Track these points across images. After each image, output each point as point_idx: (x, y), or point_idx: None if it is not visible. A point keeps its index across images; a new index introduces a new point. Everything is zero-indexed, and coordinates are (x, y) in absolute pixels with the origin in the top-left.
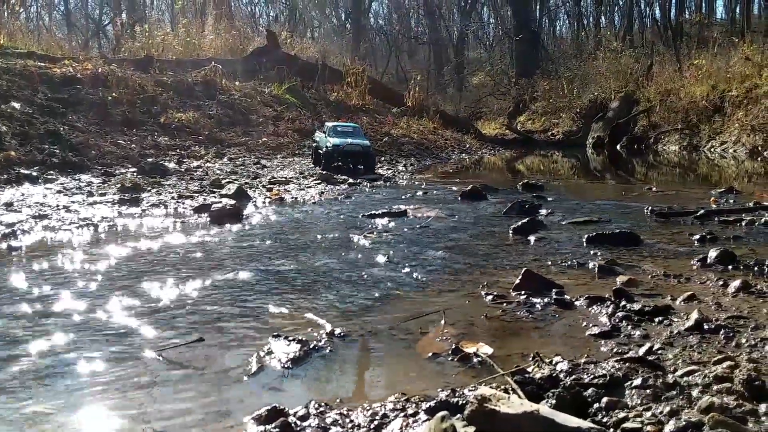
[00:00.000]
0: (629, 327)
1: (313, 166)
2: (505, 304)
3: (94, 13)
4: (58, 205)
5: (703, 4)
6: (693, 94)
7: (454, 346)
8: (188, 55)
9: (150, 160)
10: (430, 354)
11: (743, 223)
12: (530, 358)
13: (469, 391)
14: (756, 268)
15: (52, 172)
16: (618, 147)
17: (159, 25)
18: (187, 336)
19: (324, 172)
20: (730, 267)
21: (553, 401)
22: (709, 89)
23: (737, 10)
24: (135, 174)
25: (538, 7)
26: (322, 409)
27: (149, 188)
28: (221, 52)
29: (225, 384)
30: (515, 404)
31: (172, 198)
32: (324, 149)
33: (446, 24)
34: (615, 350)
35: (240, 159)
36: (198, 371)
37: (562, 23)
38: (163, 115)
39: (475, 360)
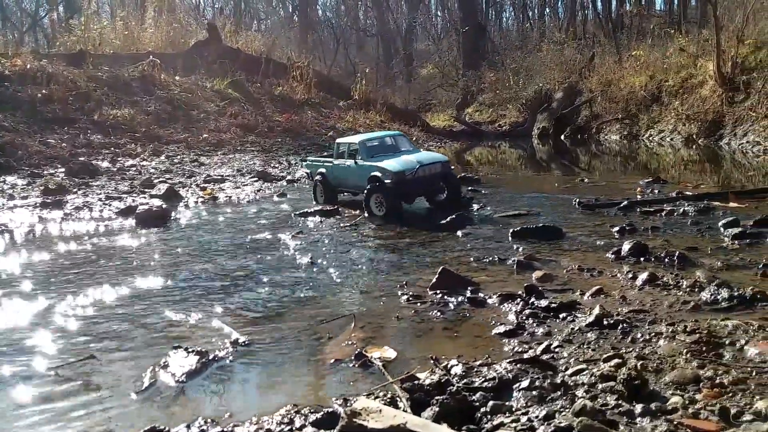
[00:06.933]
0: (534, 324)
1: (315, 202)
2: (419, 304)
3: (30, 7)
4: None
5: None
6: (632, 84)
7: (357, 352)
8: (126, 49)
9: (81, 159)
10: (333, 360)
11: (663, 214)
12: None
13: (357, 401)
14: (666, 260)
15: None
16: (562, 137)
17: (96, 17)
18: (90, 348)
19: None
20: (642, 259)
21: (437, 409)
22: (647, 79)
23: (675, 2)
24: (63, 175)
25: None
26: (204, 426)
27: (75, 190)
28: (162, 45)
29: (113, 401)
30: (386, 417)
31: (99, 200)
32: (377, 183)
33: (394, 16)
34: (516, 349)
35: (178, 156)
36: (89, 388)
37: (508, 15)
38: (97, 112)
39: (376, 365)
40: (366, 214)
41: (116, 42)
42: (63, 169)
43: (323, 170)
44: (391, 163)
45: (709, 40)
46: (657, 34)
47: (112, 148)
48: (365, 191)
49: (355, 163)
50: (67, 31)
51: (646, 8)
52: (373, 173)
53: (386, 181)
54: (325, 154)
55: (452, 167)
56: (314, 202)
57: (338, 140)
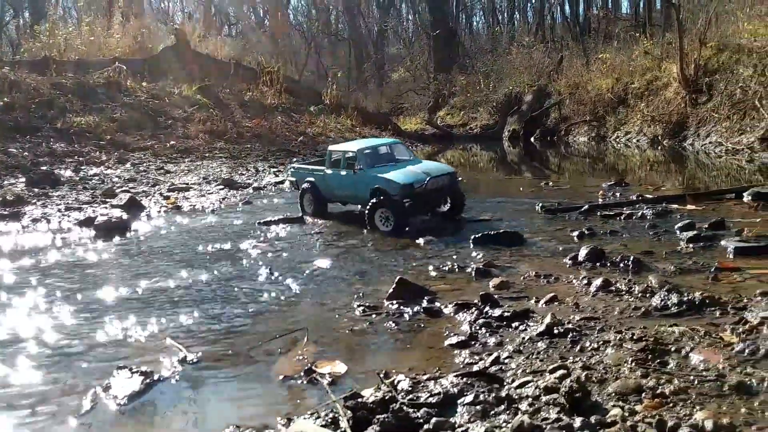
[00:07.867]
0: (487, 334)
1: (303, 214)
2: (374, 316)
3: None
4: None
5: (609, 0)
6: (599, 87)
7: (307, 367)
8: (93, 55)
9: (43, 168)
10: (282, 377)
11: (622, 217)
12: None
13: (294, 423)
14: (621, 265)
15: None
16: (532, 139)
17: (62, 23)
18: (32, 368)
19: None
20: (598, 264)
21: (378, 428)
22: (614, 82)
23: (640, 5)
24: (23, 185)
25: (454, 3)
26: None
27: (34, 201)
28: (129, 51)
29: (51, 427)
30: None
31: (59, 211)
32: (381, 196)
33: (365, 20)
34: (467, 361)
35: (144, 164)
36: (27, 411)
37: (478, 19)
38: (61, 119)
39: (325, 381)
40: (368, 228)
41: (82, 48)
42: (23, 179)
43: (312, 179)
44: (398, 175)
45: (673, 43)
46: (623, 37)
47: (76, 157)
48: (369, 205)
49: (354, 173)
50: (32, 38)
51: (613, 12)
52: (376, 185)
53: (393, 194)
54: (297, 159)
55: (459, 179)
56: (300, 213)
57: (331, 147)
